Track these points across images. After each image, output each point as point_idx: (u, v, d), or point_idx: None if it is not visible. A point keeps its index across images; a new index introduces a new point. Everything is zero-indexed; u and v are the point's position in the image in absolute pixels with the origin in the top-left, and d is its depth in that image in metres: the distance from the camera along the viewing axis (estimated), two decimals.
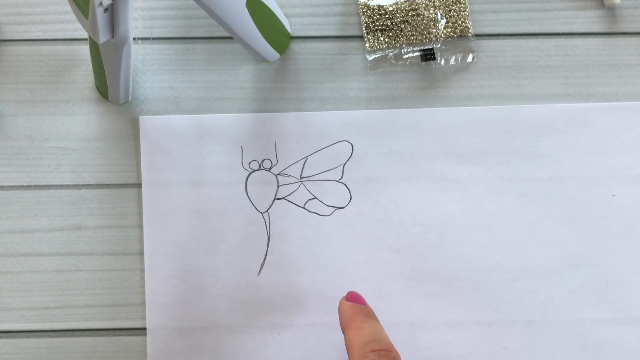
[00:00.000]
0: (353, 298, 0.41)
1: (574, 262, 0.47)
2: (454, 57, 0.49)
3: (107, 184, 0.48)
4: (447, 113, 0.48)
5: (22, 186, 0.48)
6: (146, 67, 0.49)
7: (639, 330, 0.46)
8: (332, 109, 0.48)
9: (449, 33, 0.48)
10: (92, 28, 0.38)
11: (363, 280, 0.47)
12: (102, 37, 0.39)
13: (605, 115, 0.48)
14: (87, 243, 0.48)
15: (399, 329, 0.46)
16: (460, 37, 0.48)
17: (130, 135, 0.48)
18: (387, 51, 0.48)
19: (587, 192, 0.47)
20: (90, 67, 0.49)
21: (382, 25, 0.48)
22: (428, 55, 0.48)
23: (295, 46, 0.49)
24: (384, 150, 0.48)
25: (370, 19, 0.48)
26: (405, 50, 0.48)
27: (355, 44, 0.49)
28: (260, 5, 0.44)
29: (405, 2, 0.48)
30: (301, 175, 0.48)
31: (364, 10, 0.49)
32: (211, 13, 0.41)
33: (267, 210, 0.47)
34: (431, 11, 0.48)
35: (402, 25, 0.48)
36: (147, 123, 0.48)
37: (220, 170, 0.48)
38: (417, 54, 0.48)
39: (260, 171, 0.48)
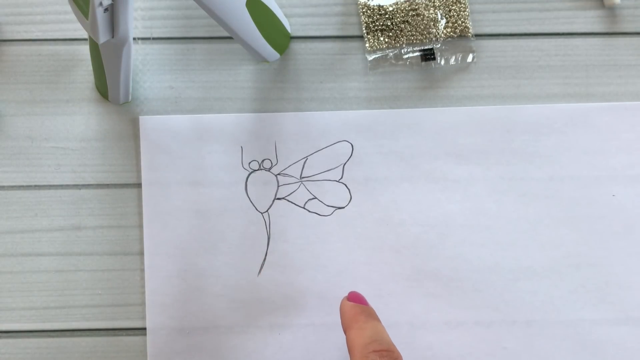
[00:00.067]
0: (355, 298, 0.41)
1: (574, 262, 0.47)
2: (454, 57, 0.49)
3: (107, 184, 0.48)
4: (447, 113, 0.48)
5: (22, 186, 0.48)
6: (146, 67, 0.49)
7: (639, 330, 0.46)
8: (332, 109, 0.48)
9: (449, 33, 0.48)
10: (92, 28, 0.38)
11: (363, 280, 0.47)
12: (102, 37, 0.39)
13: (605, 115, 0.48)
14: (87, 243, 0.48)
15: (399, 329, 0.46)
16: (460, 37, 0.48)
17: (130, 135, 0.48)
18: (387, 51, 0.48)
19: (587, 192, 0.47)
20: (90, 67, 0.49)
21: (382, 25, 0.48)
22: (428, 55, 0.48)
23: (295, 46, 0.49)
24: (384, 150, 0.48)
25: (370, 19, 0.48)
26: (405, 50, 0.48)
27: (355, 44, 0.49)
28: (260, 5, 0.44)
29: (405, 2, 0.48)
30: (301, 175, 0.48)
31: (364, 10, 0.49)
32: (211, 13, 0.41)
33: (267, 210, 0.47)
34: (431, 11, 0.48)
35: (402, 25, 0.48)
36: (147, 123, 0.48)
37: (220, 170, 0.48)
38: (417, 54, 0.48)
39: (260, 171, 0.48)
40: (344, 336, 0.39)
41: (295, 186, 0.48)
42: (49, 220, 0.48)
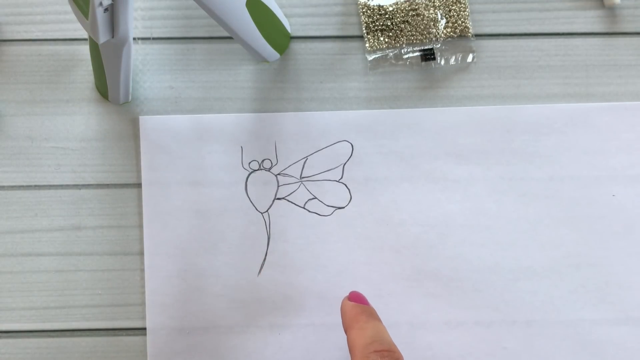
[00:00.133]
0: (355, 298, 0.41)
1: (574, 262, 0.47)
2: (454, 57, 0.49)
3: (107, 184, 0.48)
4: (447, 113, 0.48)
5: (22, 186, 0.48)
6: (146, 67, 0.49)
7: (639, 330, 0.46)
8: (332, 109, 0.48)
9: (449, 33, 0.48)
10: (92, 28, 0.38)
11: (363, 280, 0.47)
12: (102, 37, 0.39)
13: (605, 115, 0.48)
14: (87, 243, 0.48)
15: (399, 329, 0.46)
16: (460, 37, 0.48)
17: (130, 135, 0.48)
18: (387, 51, 0.48)
19: (587, 192, 0.47)
20: (90, 67, 0.49)
21: (382, 25, 0.48)
22: (428, 55, 0.48)
23: (295, 46, 0.49)
24: (384, 150, 0.48)
25: (370, 19, 0.48)
26: (405, 50, 0.48)
27: (355, 44, 0.49)
28: (260, 5, 0.44)
29: (405, 2, 0.48)
30: (301, 175, 0.48)
31: (364, 10, 0.49)
32: (211, 13, 0.41)
33: (267, 210, 0.47)
34: (431, 11, 0.48)
35: (402, 25, 0.48)
36: (147, 123, 0.48)
37: (220, 170, 0.48)
38: (417, 54, 0.48)
39: (260, 171, 0.48)
40: (345, 336, 0.39)
41: (295, 186, 0.48)
42: (49, 220, 0.48)
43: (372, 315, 0.40)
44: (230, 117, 0.48)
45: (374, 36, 0.48)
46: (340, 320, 0.40)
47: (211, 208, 0.47)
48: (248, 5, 0.42)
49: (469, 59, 0.49)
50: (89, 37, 0.42)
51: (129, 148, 0.48)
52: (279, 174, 0.48)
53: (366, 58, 0.49)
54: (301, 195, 0.48)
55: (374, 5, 0.48)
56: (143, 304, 0.47)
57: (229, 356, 0.46)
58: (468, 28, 0.48)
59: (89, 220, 0.48)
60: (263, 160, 0.48)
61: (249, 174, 0.48)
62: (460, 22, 0.48)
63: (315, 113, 0.48)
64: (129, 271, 0.47)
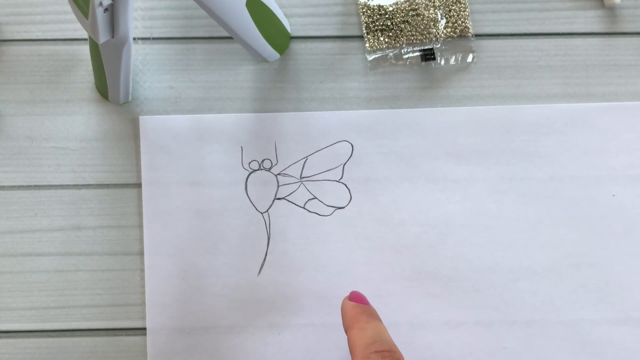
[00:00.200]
0: (356, 298, 0.41)
1: (574, 262, 0.47)
2: (454, 57, 0.49)
3: (107, 184, 0.48)
4: (447, 113, 0.48)
5: (22, 186, 0.48)
6: (146, 67, 0.49)
7: (639, 330, 0.46)
8: (332, 109, 0.48)
9: (449, 33, 0.48)
10: (92, 28, 0.38)
11: (363, 280, 0.47)
12: (102, 37, 0.39)
13: (605, 115, 0.48)
14: (87, 243, 0.48)
15: (399, 329, 0.46)
16: (460, 37, 0.48)
17: (130, 135, 0.48)
18: (387, 51, 0.48)
19: (587, 192, 0.47)
20: (90, 67, 0.49)
21: (382, 25, 0.48)
22: (428, 55, 0.48)
23: (295, 46, 0.49)
24: (384, 150, 0.48)
25: (370, 19, 0.48)
26: (405, 50, 0.48)
27: (355, 44, 0.49)
28: (260, 5, 0.44)
29: (405, 2, 0.48)
30: (301, 175, 0.48)
31: (364, 10, 0.49)
32: (211, 13, 0.41)
33: (267, 210, 0.47)
34: (431, 11, 0.48)
35: (402, 25, 0.48)
36: (147, 123, 0.48)
37: (220, 170, 0.48)
38: (417, 54, 0.48)
39: (260, 171, 0.48)
40: (345, 336, 0.39)
41: (295, 186, 0.48)
42: (49, 220, 0.48)
43: (372, 315, 0.40)
44: (230, 117, 0.48)
45: (374, 36, 0.48)
46: (341, 321, 0.40)
47: (211, 208, 0.47)
48: (248, 5, 0.42)
49: (469, 59, 0.49)
50: (89, 37, 0.42)
51: (129, 148, 0.48)
52: (279, 174, 0.48)
53: (366, 58, 0.49)
54: (301, 195, 0.48)
55: (374, 5, 0.48)
56: (143, 304, 0.47)
57: (229, 356, 0.46)
58: (468, 28, 0.48)
59: (89, 220, 0.48)
60: (263, 160, 0.48)
61: (249, 174, 0.48)
62: (460, 22, 0.48)
63: (315, 113, 0.48)
64: (129, 271, 0.47)
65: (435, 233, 0.47)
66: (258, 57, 0.48)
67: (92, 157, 0.48)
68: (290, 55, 0.49)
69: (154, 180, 0.47)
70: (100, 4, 0.36)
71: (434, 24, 0.48)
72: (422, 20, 0.48)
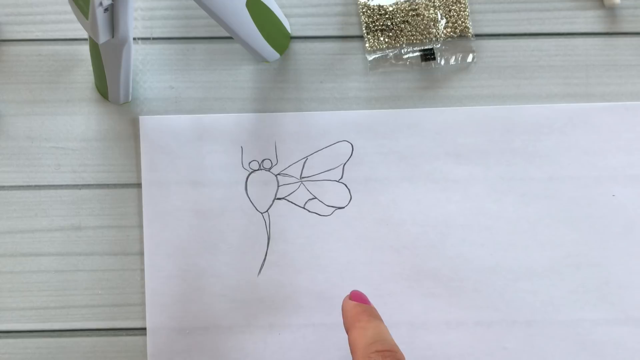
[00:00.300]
0: (357, 297, 0.41)
1: (574, 262, 0.47)
2: (454, 57, 0.49)
3: (107, 184, 0.48)
4: (447, 113, 0.48)
5: (22, 186, 0.48)
6: (146, 67, 0.49)
7: (639, 330, 0.46)
8: (332, 109, 0.48)
9: (449, 33, 0.48)
10: (92, 28, 0.38)
11: (363, 280, 0.47)
12: (102, 37, 0.39)
13: (605, 115, 0.48)
14: (87, 243, 0.48)
15: (399, 329, 0.46)
16: (460, 37, 0.48)
17: (130, 135, 0.48)
18: (387, 51, 0.48)
19: (587, 192, 0.47)
20: (90, 67, 0.49)
21: (382, 25, 0.48)
22: (428, 55, 0.48)
23: (295, 46, 0.49)
24: (384, 150, 0.48)
25: (370, 19, 0.48)
26: (405, 50, 0.48)
27: (355, 44, 0.49)
28: (260, 5, 0.44)
29: (405, 2, 0.48)
30: (301, 175, 0.48)
31: (364, 10, 0.49)
32: (211, 13, 0.41)
33: (267, 210, 0.47)
34: (431, 11, 0.48)
35: (402, 25, 0.48)
36: (147, 123, 0.48)
37: (220, 170, 0.48)
38: (417, 54, 0.48)
39: (260, 171, 0.48)
40: (344, 336, 0.39)
41: (295, 186, 0.48)
42: (49, 220, 0.48)
43: (373, 314, 0.39)
44: (230, 117, 0.48)
45: (374, 36, 0.48)
46: (341, 320, 0.40)
47: (211, 208, 0.47)
48: (248, 5, 0.42)
49: (469, 59, 0.49)
50: (89, 37, 0.42)
51: (129, 148, 0.48)
52: (279, 174, 0.48)
53: (366, 58, 0.49)
54: (301, 195, 0.48)
55: (374, 5, 0.48)
56: (143, 304, 0.47)
57: (229, 356, 0.46)
58: (468, 28, 0.48)
59: (89, 220, 0.48)
60: (263, 160, 0.48)
61: (249, 174, 0.48)
62: (460, 22, 0.48)
63: (315, 113, 0.48)
64: (129, 271, 0.47)
65: (435, 233, 0.47)
66: (258, 57, 0.48)
67: (92, 157, 0.48)
68: (290, 55, 0.49)
69: (154, 180, 0.47)
70: (100, 4, 0.36)
71: (434, 24, 0.48)
72: (422, 20, 0.48)
